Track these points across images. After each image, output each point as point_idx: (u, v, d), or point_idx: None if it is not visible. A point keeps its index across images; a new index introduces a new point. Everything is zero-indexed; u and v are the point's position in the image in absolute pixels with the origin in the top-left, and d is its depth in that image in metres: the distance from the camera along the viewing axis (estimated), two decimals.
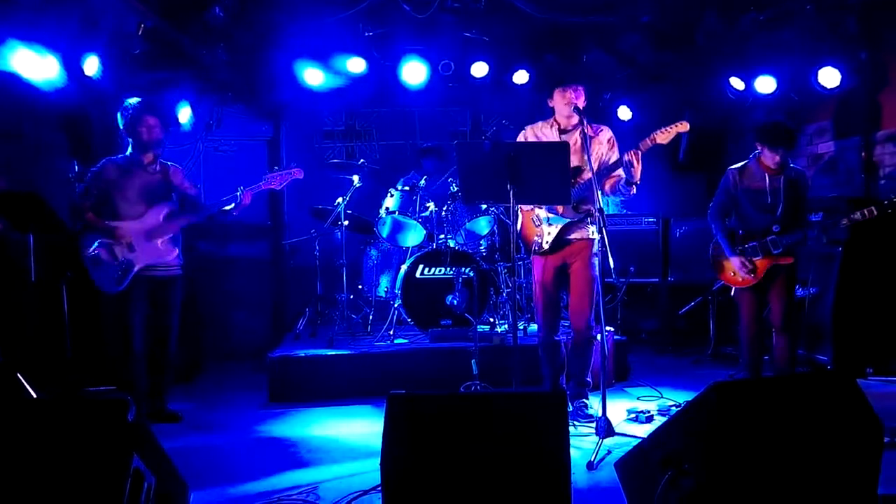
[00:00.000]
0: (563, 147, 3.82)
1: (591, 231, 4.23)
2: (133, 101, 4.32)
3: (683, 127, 3.84)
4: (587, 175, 4.07)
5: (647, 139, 3.86)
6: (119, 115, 4.32)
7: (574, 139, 4.15)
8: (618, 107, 7.04)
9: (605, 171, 4.11)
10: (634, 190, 4.06)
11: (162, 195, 4.39)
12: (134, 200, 4.29)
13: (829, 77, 5.59)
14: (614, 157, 4.22)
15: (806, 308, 5.27)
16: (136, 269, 4.23)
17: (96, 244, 4.19)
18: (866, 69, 5.62)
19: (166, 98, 5.91)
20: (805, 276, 5.30)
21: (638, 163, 3.89)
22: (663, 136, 3.84)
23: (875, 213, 4.08)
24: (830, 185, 6.09)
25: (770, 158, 4.38)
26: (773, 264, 4.37)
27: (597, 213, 3.79)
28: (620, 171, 4.02)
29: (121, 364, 4.28)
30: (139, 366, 4.30)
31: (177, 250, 4.43)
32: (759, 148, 4.43)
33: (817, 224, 4.32)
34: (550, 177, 3.73)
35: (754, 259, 4.39)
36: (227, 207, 4.42)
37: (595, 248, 4.21)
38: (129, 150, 4.35)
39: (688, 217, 6.88)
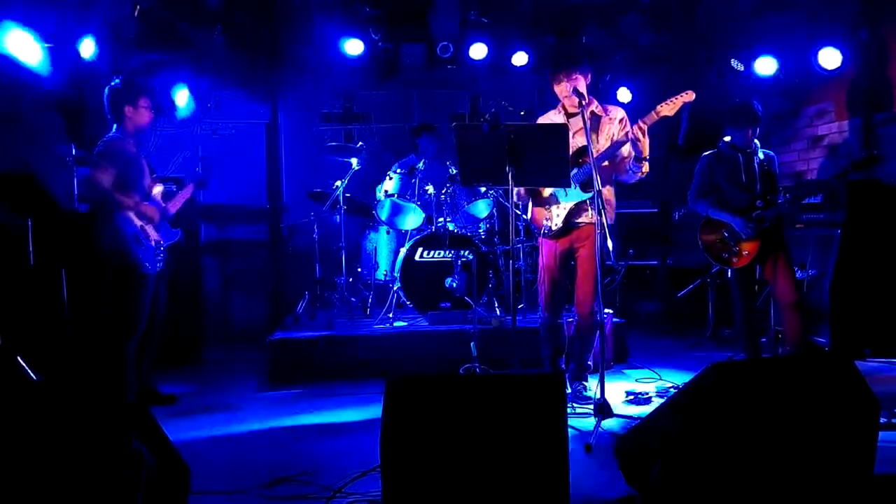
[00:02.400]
0: (562, 129, 3.79)
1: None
2: (117, 81, 4.24)
3: (689, 97, 3.84)
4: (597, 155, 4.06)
5: (653, 112, 3.85)
6: (107, 94, 4.21)
7: (579, 121, 4.08)
8: (617, 88, 7.01)
9: (611, 148, 4.08)
10: (646, 167, 4.02)
11: (150, 175, 4.43)
12: (140, 180, 4.27)
13: (830, 58, 5.57)
14: None
15: (805, 290, 5.28)
16: (164, 248, 4.29)
17: (136, 222, 4.16)
18: (867, 50, 5.59)
19: (163, 81, 5.87)
20: (804, 258, 5.31)
21: (644, 136, 3.87)
22: (669, 108, 3.83)
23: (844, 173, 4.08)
24: (830, 166, 6.07)
25: (741, 139, 4.45)
26: (762, 241, 4.39)
27: (595, 196, 3.77)
28: (629, 149, 3.99)
29: (118, 346, 4.27)
30: (138, 341, 4.30)
31: (180, 231, 4.47)
32: (729, 132, 4.51)
33: (789, 192, 4.36)
34: (550, 159, 3.71)
35: (744, 239, 4.42)
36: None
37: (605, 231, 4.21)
38: (115, 129, 4.24)
39: (686, 200, 6.86)
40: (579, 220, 4.20)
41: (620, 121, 4.23)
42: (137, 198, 4.21)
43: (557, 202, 4.20)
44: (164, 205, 4.38)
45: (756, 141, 4.50)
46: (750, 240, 4.41)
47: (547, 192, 4.25)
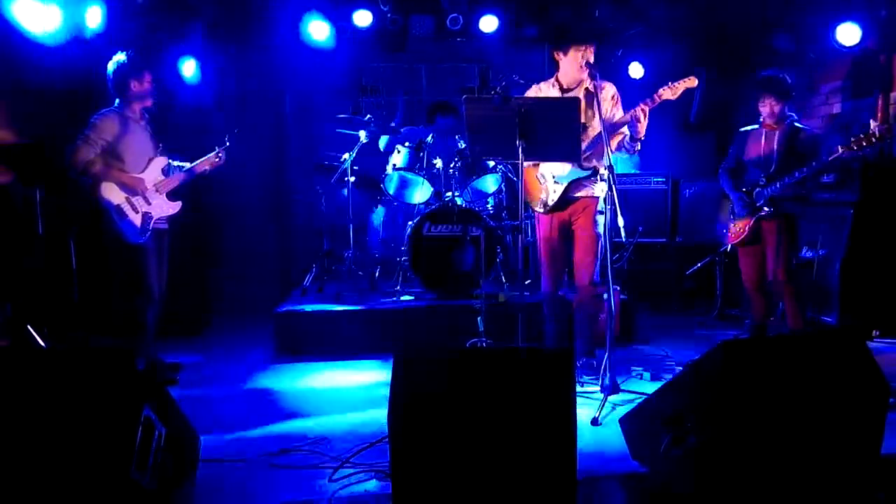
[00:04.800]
0: (573, 103, 3.76)
1: (596, 189, 4.20)
2: (122, 56, 4.22)
3: (692, 82, 3.84)
4: (591, 132, 4.06)
5: (655, 95, 3.85)
6: (112, 70, 4.21)
7: (579, 97, 4.07)
8: (629, 63, 6.91)
9: (609, 128, 4.06)
10: (639, 147, 4.06)
11: (155, 148, 4.40)
12: (137, 153, 4.28)
13: (848, 34, 5.47)
14: (619, 113, 4.17)
15: (815, 269, 5.26)
16: (153, 220, 4.27)
17: (120, 195, 4.17)
18: (886, 27, 5.49)
19: (170, 51, 5.82)
20: (815, 237, 5.28)
21: (645, 118, 3.87)
22: (671, 92, 3.84)
23: (862, 144, 3.95)
24: (845, 145, 6.00)
25: (763, 110, 4.39)
26: (755, 219, 4.38)
27: (607, 171, 3.75)
28: (625, 129, 4.01)
29: (129, 315, 4.30)
30: (155, 310, 4.34)
31: (180, 203, 4.44)
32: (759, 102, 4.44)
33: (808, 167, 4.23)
34: (560, 133, 3.68)
35: (740, 216, 4.44)
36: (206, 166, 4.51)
37: (600, 206, 4.19)
38: (117, 103, 4.27)
39: (697, 177, 6.81)
40: (576, 194, 4.20)
41: (612, 97, 4.21)
42: (127, 170, 4.21)
43: (555, 179, 4.19)
44: (163, 177, 4.35)
45: (793, 116, 4.41)
46: (742, 218, 4.41)
47: (539, 171, 4.25)
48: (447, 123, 6.36)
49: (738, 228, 4.48)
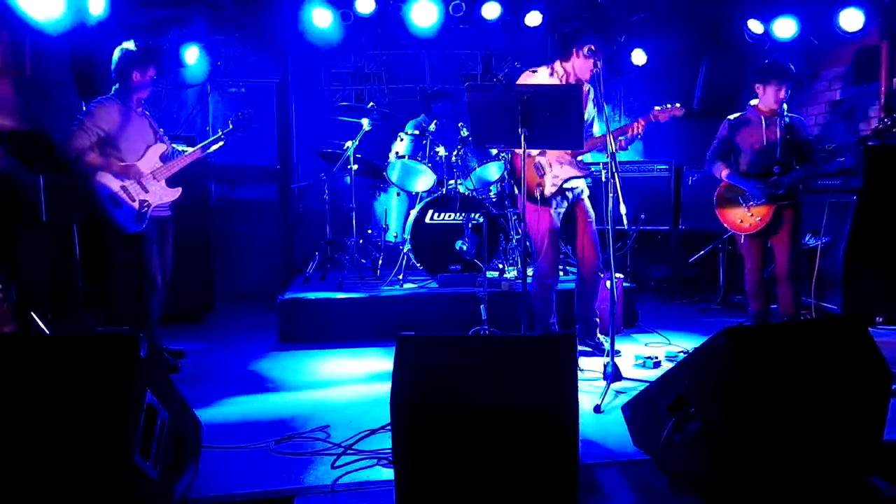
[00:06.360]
0: (576, 91, 3.75)
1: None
2: (130, 45, 4.20)
3: (679, 111, 4.05)
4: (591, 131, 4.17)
5: (650, 115, 4.05)
6: (119, 57, 4.19)
7: (581, 83, 4.14)
8: (632, 50, 6.88)
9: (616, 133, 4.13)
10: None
11: (154, 135, 4.39)
12: (133, 141, 4.25)
13: (851, 19, 5.43)
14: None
15: (818, 256, 5.24)
16: (152, 207, 4.26)
17: (115, 183, 4.16)
18: (890, 12, 5.45)
19: (173, 37, 5.80)
20: (818, 224, 5.26)
21: (635, 133, 4.06)
22: (663, 115, 4.04)
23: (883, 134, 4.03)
24: (848, 131, 5.98)
25: (769, 99, 4.39)
26: (776, 208, 4.40)
27: (609, 158, 3.74)
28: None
29: (133, 301, 4.31)
30: (158, 297, 4.34)
31: (180, 189, 4.43)
32: (758, 88, 4.46)
33: (822, 153, 4.35)
34: (564, 121, 3.67)
35: (757, 204, 4.44)
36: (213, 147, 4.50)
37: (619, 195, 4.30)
38: (115, 90, 4.25)
39: (700, 165, 6.78)
40: (572, 183, 4.29)
41: (592, 99, 4.35)
42: (124, 158, 4.19)
43: (553, 172, 4.20)
44: (161, 164, 4.33)
45: (784, 105, 4.45)
46: (763, 206, 4.41)
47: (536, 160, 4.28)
48: (443, 109, 6.39)
49: (756, 217, 4.45)
